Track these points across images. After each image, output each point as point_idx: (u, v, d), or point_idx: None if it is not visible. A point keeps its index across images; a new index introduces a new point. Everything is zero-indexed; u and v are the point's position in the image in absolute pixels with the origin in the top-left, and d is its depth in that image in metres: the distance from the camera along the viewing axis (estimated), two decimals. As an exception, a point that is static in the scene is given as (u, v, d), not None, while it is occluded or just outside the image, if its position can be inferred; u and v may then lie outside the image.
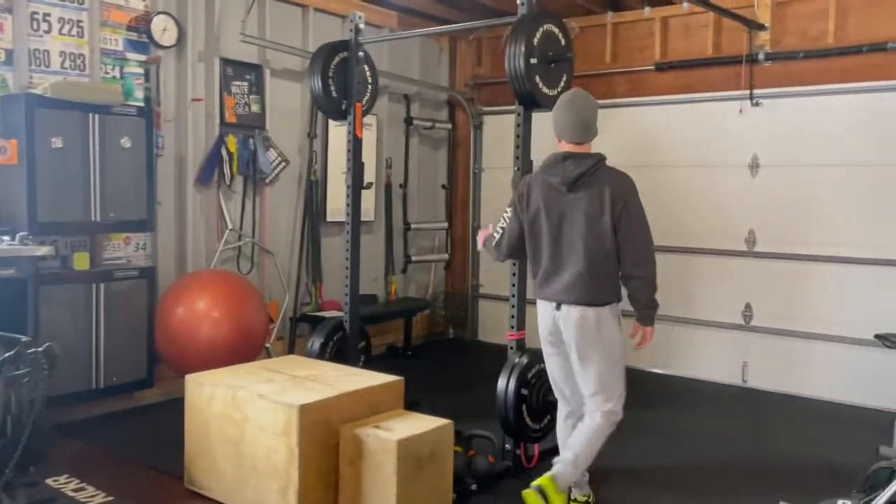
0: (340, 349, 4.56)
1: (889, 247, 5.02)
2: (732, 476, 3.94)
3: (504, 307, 6.89)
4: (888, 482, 3.11)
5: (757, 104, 5.48)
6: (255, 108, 5.53)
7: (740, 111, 5.47)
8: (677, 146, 5.92)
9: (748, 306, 5.65)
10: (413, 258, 6.80)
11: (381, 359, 6.20)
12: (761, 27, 5.39)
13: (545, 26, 3.60)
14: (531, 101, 3.59)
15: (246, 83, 5.50)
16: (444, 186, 7.24)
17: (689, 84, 5.84)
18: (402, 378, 3.51)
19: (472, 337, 7.20)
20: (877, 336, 2.49)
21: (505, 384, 3.64)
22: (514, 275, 3.75)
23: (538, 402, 3.69)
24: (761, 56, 5.43)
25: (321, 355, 4.45)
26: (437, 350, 6.86)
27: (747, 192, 5.59)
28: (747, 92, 5.48)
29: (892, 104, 5.01)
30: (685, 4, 5.70)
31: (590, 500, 3.41)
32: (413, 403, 4.18)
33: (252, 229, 5.54)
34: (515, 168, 3.69)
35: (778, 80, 5.41)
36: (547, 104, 3.63)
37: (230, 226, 5.37)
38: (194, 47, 5.16)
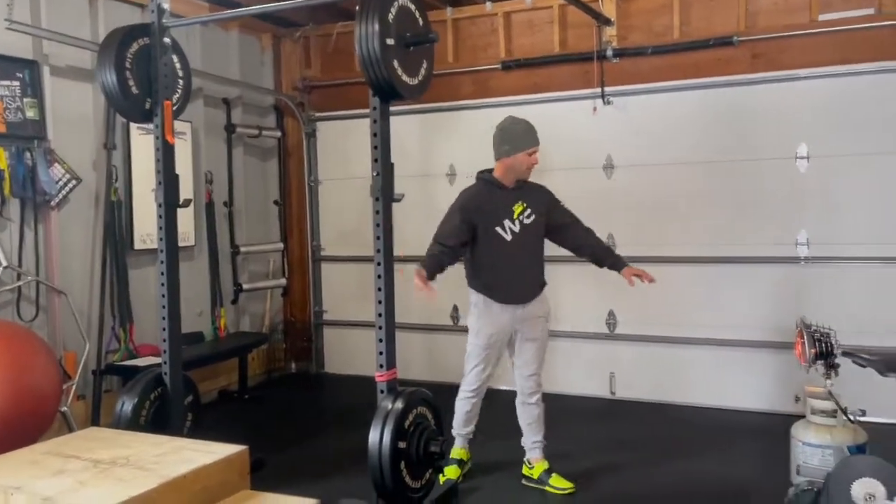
0: (160, 410, 3.62)
1: (744, 244, 4.96)
2: (625, 502, 3.55)
3: (354, 334, 6.39)
4: (813, 505, 2.84)
5: (609, 102, 5.25)
6: (30, 113, 4.42)
7: (594, 110, 5.21)
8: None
9: (611, 314, 5.40)
10: (244, 286, 5.91)
11: (213, 407, 5.29)
12: (607, 21, 5.17)
13: (399, 1, 2.99)
14: (389, 91, 2.96)
15: (17, 83, 4.38)
16: (276, 202, 6.40)
17: (538, 83, 5.52)
18: (245, 448, 2.72)
19: (318, 370, 6.43)
20: (844, 353, 2.12)
21: (378, 438, 2.95)
22: (379, 302, 3.08)
23: (418, 454, 3.04)
24: (609, 52, 5.21)
25: (134, 422, 3.50)
26: (279, 389, 6.02)
27: (603, 194, 5.33)
28: (599, 90, 5.23)
29: (738, 99, 4.96)
30: (528, -1, 5.37)
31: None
32: (256, 464, 3.40)
33: (35, 265, 4.42)
34: (374, 174, 3.04)
35: (628, 78, 5.22)
36: (408, 94, 3.02)
37: (4, 263, 4.22)
38: (-62, 35, 4.00)
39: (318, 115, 6.37)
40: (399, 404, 3.02)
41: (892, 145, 4.57)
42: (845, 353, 2.13)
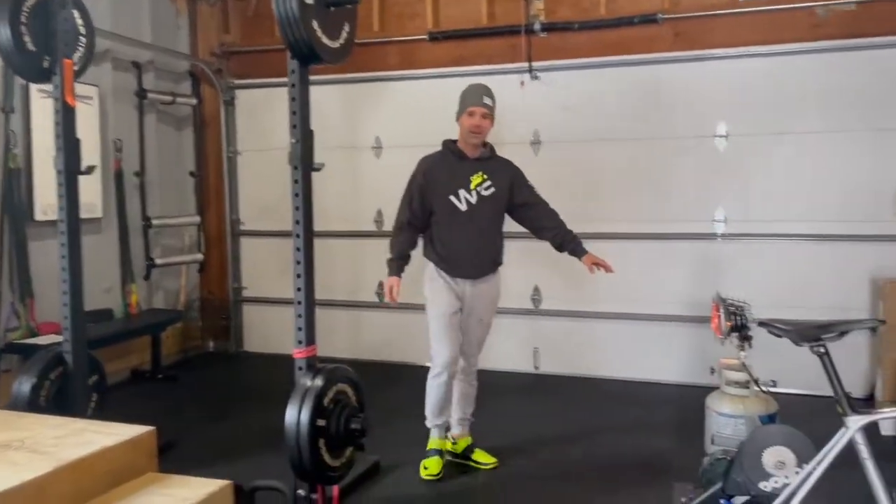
0: (62, 390, 3.41)
1: (664, 221, 5.04)
2: (548, 475, 3.56)
3: (275, 311, 6.21)
4: (726, 475, 2.90)
5: (536, 77, 5.22)
6: (-86, 70, 4.05)
7: (522, 84, 5.16)
8: (451, 123, 5.48)
9: (536, 289, 5.42)
10: (157, 261, 5.63)
11: (124, 388, 5.05)
12: (535, -6, 5.12)
13: (320, -40, 2.84)
14: (308, 54, 2.82)
15: None
16: (192, 174, 6.12)
17: (465, 56, 5.42)
18: (152, 428, 2.55)
19: (237, 349, 6.21)
20: (760, 323, 2.14)
21: (295, 416, 2.85)
22: (298, 276, 2.96)
23: (338, 432, 2.96)
24: (537, 26, 5.16)
25: (33, 402, 3.28)
26: (195, 368, 5.79)
27: (530, 170, 5.26)
28: (526, 65, 5.19)
29: (661, 77, 5.01)
30: (456, -34, 5.26)
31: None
32: (167, 446, 3.25)
33: (-79, 236, 4.08)
34: (293, 141, 2.90)
35: (556, 53, 5.19)
36: (329, 58, 2.90)
37: None
38: None
39: (237, 82, 6.10)
40: (318, 381, 2.92)
41: (808, 125, 4.70)
42: (762, 324, 2.16)
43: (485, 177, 3.54)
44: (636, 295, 5.09)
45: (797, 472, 2.67)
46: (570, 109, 5.20)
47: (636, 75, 5.06)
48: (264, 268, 6.10)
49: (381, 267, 5.65)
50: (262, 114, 5.96)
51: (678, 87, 4.98)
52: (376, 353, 5.75)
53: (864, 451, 1.85)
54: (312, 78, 3.08)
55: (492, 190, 3.54)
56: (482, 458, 3.71)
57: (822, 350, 1.96)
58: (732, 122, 4.88)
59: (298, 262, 2.97)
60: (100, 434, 2.50)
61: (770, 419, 3.53)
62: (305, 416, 2.85)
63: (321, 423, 2.88)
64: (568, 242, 3.66)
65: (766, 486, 2.71)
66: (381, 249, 5.68)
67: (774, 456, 2.72)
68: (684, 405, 4.52)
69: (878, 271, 4.57)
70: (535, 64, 5.19)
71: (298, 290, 2.97)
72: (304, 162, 2.92)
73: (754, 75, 4.81)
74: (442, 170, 3.54)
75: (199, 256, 6.10)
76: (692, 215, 4.98)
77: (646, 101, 5.04)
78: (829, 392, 4.60)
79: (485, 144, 3.60)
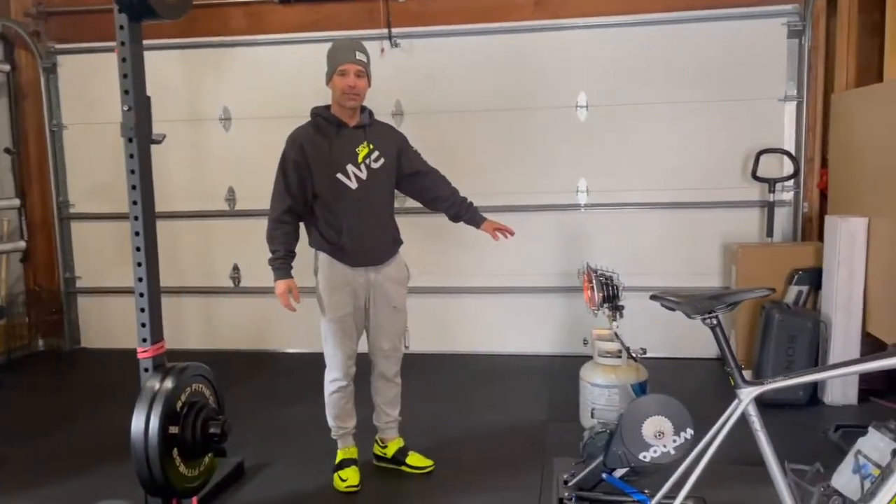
0: None
1: (529, 192, 5.00)
2: (441, 453, 3.42)
3: (116, 302, 5.61)
4: (607, 448, 2.87)
5: (396, 45, 4.98)
6: None
7: (382, 52, 4.90)
8: (308, 93, 5.14)
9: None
10: (-31, 251, 4.90)
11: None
12: (390, -42, 4.86)
13: None
14: (139, 7, 2.43)
15: None
16: (8, 150, 5.35)
17: (320, 21, 5.08)
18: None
19: (72, 346, 5.58)
20: (652, 297, 2.06)
21: (143, 425, 2.50)
22: (139, 265, 2.57)
23: (195, 439, 2.63)
24: (396, -9, 4.92)
25: None
26: (22, 371, 5.13)
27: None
28: (386, 31, 4.94)
29: (522, 46, 4.93)
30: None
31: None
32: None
33: None
34: (125, 108, 2.50)
35: (416, 19, 4.97)
36: (163, 12, 2.51)
37: None
38: None
39: (58, 47, 5.38)
40: (168, 384, 2.58)
41: (662, 96, 4.80)
42: (654, 297, 2.09)
43: (371, 146, 3.08)
44: (504, 268, 5.04)
45: (675, 441, 2.69)
46: (432, 79, 5.01)
47: (498, 44, 4.95)
48: (100, 254, 5.49)
49: (235, 248, 5.37)
50: (90, 82, 5.31)
51: (540, 57, 4.92)
52: (233, 342, 5.36)
53: (756, 423, 1.82)
54: (148, 43, 2.69)
55: (381, 161, 3.10)
56: (417, 461, 3.33)
57: (714, 322, 1.91)
58: (592, 92, 4.90)
59: (138, 249, 2.59)
60: None
61: (641, 387, 3.58)
62: (155, 424, 2.50)
63: (174, 430, 2.55)
64: (465, 211, 3.32)
65: (645, 456, 2.70)
66: (234, 230, 5.35)
67: (653, 426, 2.70)
68: (558, 377, 4.53)
69: (728, 237, 4.78)
70: (395, 30, 4.94)
71: (140, 280, 2.60)
72: (139, 133, 2.53)
73: (611, 46, 4.83)
74: (321, 143, 3.03)
75: (21, 244, 5.37)
76: (556, 186, 4.98)
77: (509, 71, 4.95)
78: (689, 355, 4.86)
79: (363, 109, 3.14)
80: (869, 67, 4.40)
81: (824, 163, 4.66)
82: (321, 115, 3.09)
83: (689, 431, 2.72)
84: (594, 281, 3.57)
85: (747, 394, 1.84)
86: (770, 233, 4.62)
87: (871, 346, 3.90)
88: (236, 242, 5.35)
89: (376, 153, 3.10)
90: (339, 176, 3.02)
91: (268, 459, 3.44)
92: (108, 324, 5.50)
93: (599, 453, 2.89)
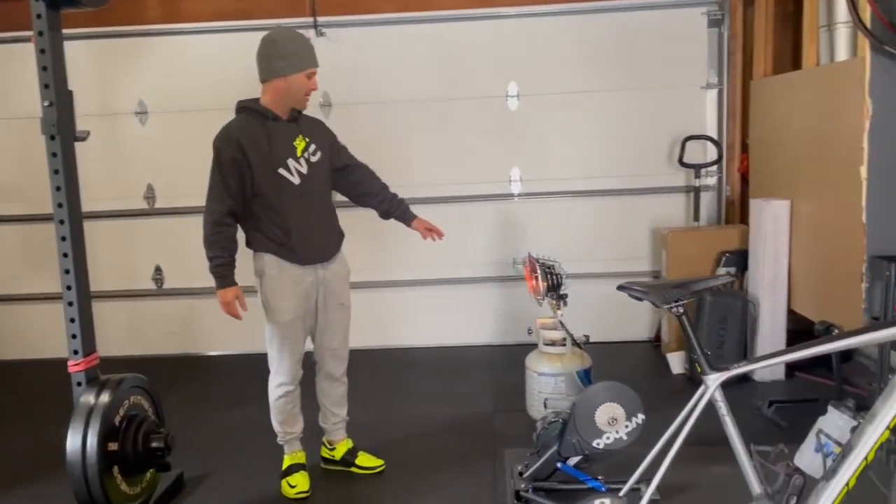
0: None
1: (463, 183, 4.98)
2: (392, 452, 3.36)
3: (28, 311, 5.24)
4: (560, 437, 2.89)
5: (322, 34, 4.84)
6: None
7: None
8: (229, 85, 4.94)
9: (336, 262, 5.12)
10: None
11: None
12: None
13: None
14: (58, -6, 2.24)
15: None
16: None
17: (241, 9, 4.88)
18: None
19: (-12, 359, 5.19)
20: (619, 287, 2.06)
21: (79, 443, 2.33)
22: (67, 272, 2.39)
23: (136, 454, 2.48)
24: (319, -22, 4.78)
25: None
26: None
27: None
28: (311, 20, 4.79)
29: (451, 35, 4.89)
30: None
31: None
32: None
33: None
34: (46, 103, 2.30)
35: (342, 8, 4.84)
36: (86, 0, 2.32)
37: None
38: None
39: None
40: (105, 397, 2.42)
41: (594, 84, 4.85)
42: (621, 287, 2.09)
43: (307, 140, 3.00)
44: (440, 260, 5.00)
45: (627, 427, 2.74)
46: (360, 69, 4.90)
47: (427, 33, 4.88)
48: (8, 261, 5.11)
49: (157, 248, 5.11)
50: (10, 73, 4.93)
51: (469, 46, 4.89)
52: (159, 347, 5.12)
53: (723, 408, 1.85)
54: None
55: (318, 154, 3.03)
56: (367, 462, 3.28)
57: (680, 311, 1.93)
58: (522, 81, 4.91)
59: (66, 255, 2.41)
60: None
61: (586, 373, 3.63)
62: (93, 441, 2.35)
63: (113, 447, 2.40)
64: (395, 208, 3.28)
65: (599, 443, 2.74)
66: (155, 229, 5.09)
67: (606, 413, 2.75)
68: (501, 367, 4.55)
69: (657, 221, 4.90)
70: (321, 19, 4.81)
71: (69, 288, 2.41)
72: (63, 130, 2.34)
73: (541, 35, 4.85)
74: (258, 139, 2.90)
75: (-83, 252, 4.95)
76: (490, 176, 4.97)
77: (439, 60, 4.90)
78: (622, 338, 4.96)
79: None
80: (784, 55, 4.60)
81: (745, 148, 4.84)
82: (253, 109, 2.95)
83: (641, 416, 2.77)
84: (538, 270, 3.58)
85: (714, 380, 1.87)
86: (696, 217, 4.77)
87: (796, 322, 4.09)
88: (158, 242, 5.10)
89: (313, 146, 3.02)
90: (282, 171, 2.90)
91: (208, 470, 3.30)
92: (20, 334, 5.14)
93: (553, 443, 2.91)
